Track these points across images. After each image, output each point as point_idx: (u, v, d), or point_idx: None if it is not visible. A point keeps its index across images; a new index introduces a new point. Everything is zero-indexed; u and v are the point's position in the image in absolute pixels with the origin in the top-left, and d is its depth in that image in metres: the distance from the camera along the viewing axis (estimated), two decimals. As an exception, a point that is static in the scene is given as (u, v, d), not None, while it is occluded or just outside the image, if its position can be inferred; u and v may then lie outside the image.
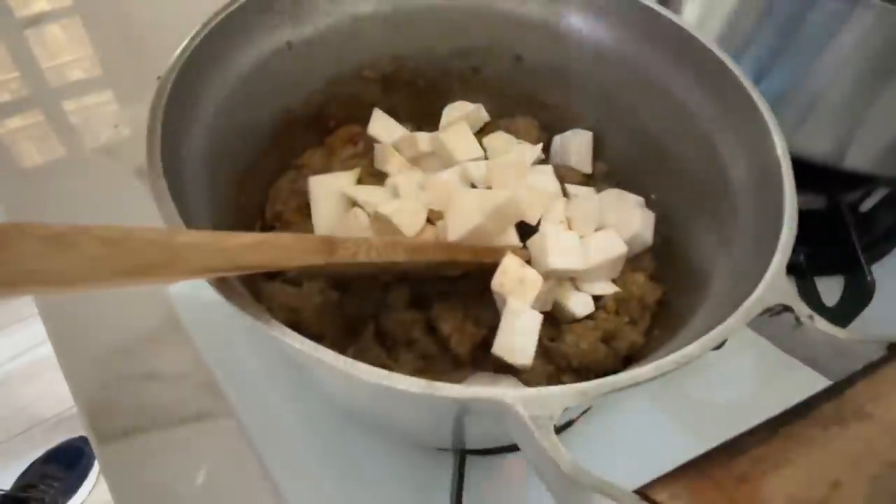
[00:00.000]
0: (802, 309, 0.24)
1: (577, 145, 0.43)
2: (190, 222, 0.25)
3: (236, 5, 0.34)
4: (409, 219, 0.36)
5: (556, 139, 0.44)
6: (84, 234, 0.15)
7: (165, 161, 0.26)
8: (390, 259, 0.26)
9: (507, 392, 0.21)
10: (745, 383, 0.43)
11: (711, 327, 0.25)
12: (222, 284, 0.22)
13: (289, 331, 0.22)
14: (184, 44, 0.31)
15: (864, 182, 0.50)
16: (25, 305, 1.39)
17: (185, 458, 0.40)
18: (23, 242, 0.14)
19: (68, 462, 1.20)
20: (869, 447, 0.16)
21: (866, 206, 0.53)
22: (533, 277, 0.32)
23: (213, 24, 0.32)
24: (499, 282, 0.33)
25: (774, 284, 0.25)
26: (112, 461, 0.40)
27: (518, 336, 0.31)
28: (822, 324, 0.24)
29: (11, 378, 1.32)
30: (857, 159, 0.46)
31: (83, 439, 1.24)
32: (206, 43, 0.32)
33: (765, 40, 0.45)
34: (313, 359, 0.22)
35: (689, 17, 0.49)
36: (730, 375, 0.43)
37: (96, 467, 1.22)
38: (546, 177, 0.40)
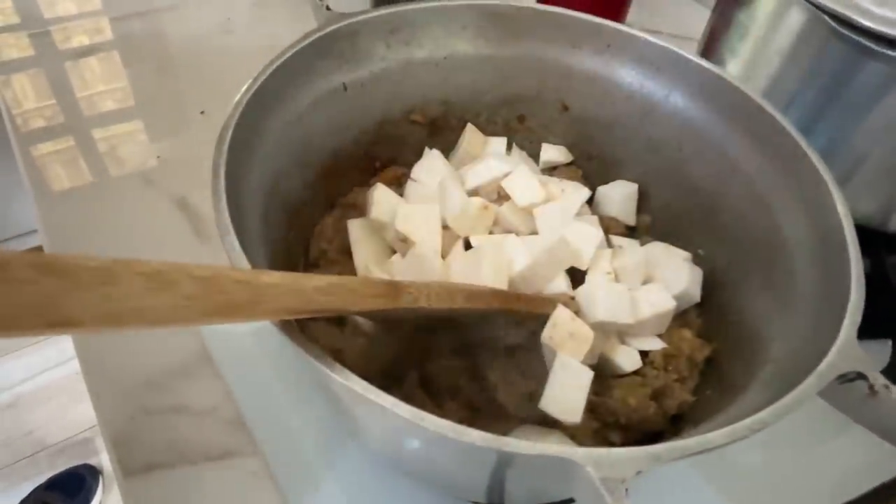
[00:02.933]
0: (877, 378, 0.24)
1: (621, 197, 0.43)
2: (251, 259, 0.25)
3: (298, 48, 0.35)
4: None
5: (601, 189, 0.44)
6: (180, 272, 0.15)
7: (229, 197, 0.26)
8: (448, 306, 0.26)
9: (577, 451, 0.21)
10: (787, 448, 0.41)
11: (778, 394, 0.24)
12: (287, 327, 0.22)
13: (354, 376, 0.21)
14: (248, 82, 0.32)
15: (910, 245, 0.50)
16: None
17: (209, 497, 0.39)
18: (130, 279, 0.13)
19: (70, 490, 1.19)
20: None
21: (909, 269, 0.53)
22: (584, 332, 0.32)
23: (275, 64, 0.33)
24: (549, 334, 0.32)
25: (847, 350, 0.24)
26: (135, 496, 0.39)
27: (567, 392, 0.31)
28: (899, 394, 0.23)
29: (21, 401, 1.32)
30: (903, 223, 0.46)
31: (87, 467, 1.22)
32: (269, 82, 0.33)
33: (809, 99, 0.45)
34: (374, 404, 0.21)
35: (732, 72, 0.49)
36: (775, 440, 0.41)
37: (97, 497, 1.20)
38: (592, 226, 0.40)
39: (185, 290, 0.15)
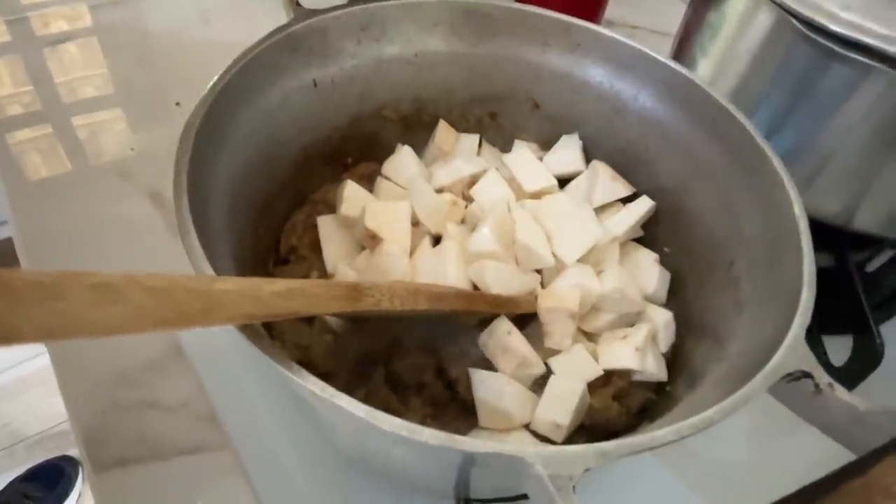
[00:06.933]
0: (822, 376, 0.24)
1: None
2: (213, 257, 0.25)
3: (267, 44, 0.35)
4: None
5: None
6: (132, 284, 0.15)
7: (191, 194, 0.26)
8: (412, 308, 0.26)
9: (527, 449, 0.21)
10: (751, 442, 0.42)
11: (729, 390, 0.24)
12: (248, 328, 0.22)
13: (312, 377, 0.22)
14: (215, 78, 0.32)
15: (872, 243, 0.51)
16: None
17: (180, 492, 0.39)
18: (78, 293, 0.13)
19: (49, 482, 1.17)
20: (898, 529, 0.16)
21: (872, 266, 0.54)
22: (517, 349, 0.32)
23: (244, 60, 0.33)
24: (484, 340, 0.33)
25: (795, 350, 0.25)
26: (106, 491, 0.39)
27: (492, 408, 0.32)
28: (841, 393, 0.24)
29: (-4, 393, 1.30)
30: (866, 221, 0.47)
31: (65, 459, 1.21)
32: (237, 78, 0.32)
33: (776, 100, 0.46)
34: (332, 405, 0.22)
35: (702, 73, 0.50)
36: (736, 433, 0.42)
37: (77, 488, 1.19)
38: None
39: (136, 301, 0.15)
